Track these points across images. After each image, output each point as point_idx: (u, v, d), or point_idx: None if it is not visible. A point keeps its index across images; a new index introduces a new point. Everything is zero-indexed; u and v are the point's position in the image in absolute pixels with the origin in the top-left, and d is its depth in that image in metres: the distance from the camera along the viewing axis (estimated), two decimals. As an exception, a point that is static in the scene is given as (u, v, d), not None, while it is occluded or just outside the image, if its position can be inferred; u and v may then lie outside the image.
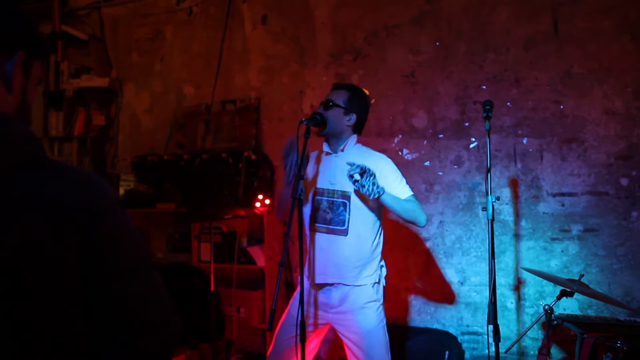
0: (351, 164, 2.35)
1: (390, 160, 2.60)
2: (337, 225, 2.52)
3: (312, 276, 2.55)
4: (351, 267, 2.51)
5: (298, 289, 2.55)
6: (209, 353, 3.73)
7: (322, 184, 2.58)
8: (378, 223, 2.59)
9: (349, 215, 2.51)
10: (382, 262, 2.63)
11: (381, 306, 2.57)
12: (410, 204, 2.48)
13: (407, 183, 2.57)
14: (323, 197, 2.57)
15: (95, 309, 0.94)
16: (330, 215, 2.53)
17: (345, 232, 2.51)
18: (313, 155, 2.68)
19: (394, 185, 2.50)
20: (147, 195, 4.30)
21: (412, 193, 2.54)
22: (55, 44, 4.71)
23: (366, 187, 2.34)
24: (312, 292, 2.58)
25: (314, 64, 4.09)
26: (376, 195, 2.36)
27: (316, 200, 2.57)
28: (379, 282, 2.59)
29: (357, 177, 2.34)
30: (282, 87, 4.19)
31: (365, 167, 2.34)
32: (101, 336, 0.95)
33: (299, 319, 2.26)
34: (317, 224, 2.57)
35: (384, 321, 2.57)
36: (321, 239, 2.55)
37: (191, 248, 4.14)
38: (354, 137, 2.62)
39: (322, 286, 2.57)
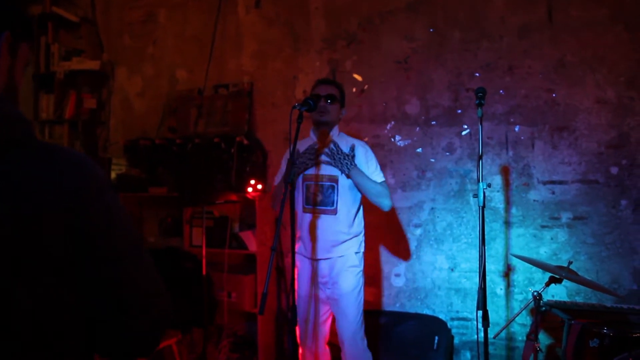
0: (332, 148, 2.83)
1: (369, 146, 3.00)
2: (327, 205, 2.87)
3: (307, 254, 2.90)
4: (341, 242, 2.86)
5: (296, 269, 2.94)
6: (200, 337, 3.75)
7: (311, 170, 2.89)
8: (360, 200, 2.95)
9: (338, 196, 2.86)
10: (364, 234, 3.00)
11: (361, 272, 2.93)
12: (378, 187, 2.85)
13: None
14: (312, 182, 2.88)
15: (87, 290, 0.94)
16: (321, 197, 2.86)
17: (334, 212, 2.85)
18: (305, 143, 2.97)
19: (372, 169, 2.90)
20: (139, 179, 4.28)
21: (383, 179, 2.93)
22: (45, 25, 4.64)
23: (337, 163, 2.80)
24: (309, 268, 2.92)
25: (308, 49, 4.07)
26: (346, 172, 2.79)
27: (306, 185, 2.90)
28: (359, 251, 2.94)
29: (327, 158, 2.83)
30: (276, 72, 4.17)
31: (337, 150, 2.81)
32: (92, 317, 0.96)
33: (293, 303, 2.39)
34: (308, 206, 2.90)
35: (361, 286, 2.91)
36: (313, 219, 2.87)
37: (183, 232, 4.13)
38: (337, 127, 3.01)
39: (316, 261, 2.90)
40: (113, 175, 4.37)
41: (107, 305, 0.96)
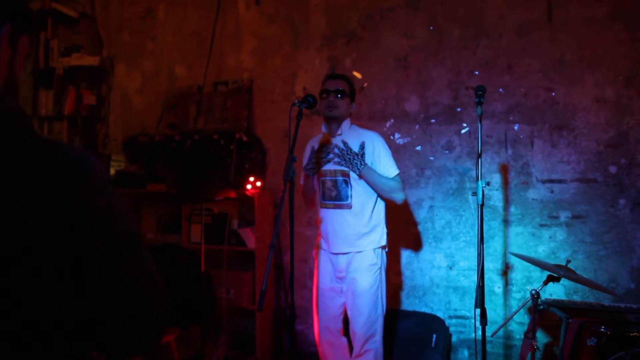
0: (341, 148, 2.82)
1: (382, 138, 2.96)
2: (342, 200, 2.89)
3: (326, 247, 2.94)
4: (358, 235, 2.87)
5: (316, 262, 3.00)
6: (198, 333, 3.75)
7: (325, 165, 2.90)
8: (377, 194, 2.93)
9: (352, 190, 2.87)
10: (386, 228, 2.99)
11: (379, 270, 2.91)
12: (390, 183, 2.85)
13: (395, 162, 2.95)
14: (327, 177, 2.90)
15: (86, 289, 0.93)
16: (335, 192, 2.89)
17: (349, 206, 2.87)
18: (317, 140, 3.01)
19: (384, 163, 2.88)
20: (138, 175, 4.27)
21: (397, 172, 2.91)
22: (45, 21, 4.64)
23: (347, 163, 2.81)
24: (328, 261, 2.95)
25: (307, 46, 4.07)
26: (357, 172, 2.80)
27: (321, 181, 2.94)
28: (381, 247, 2.94)
29: (337, 158, 2.84)
30: (275, 69, 4.17)
31: (347, 150, 2.81)
32: (92, 317, 0.95)
33: (292, 300, 2.37)
34: (325, 201, 2.93)
35: (379, 284, 2.90)
36: (330, 214, 2.92)
37: (181, 229, 4.13)
38: (349, 120, 2.97)
39: (334, 255, 2.92)
40: (112, 171, 4.36)
41: (106, 304, 0.95)
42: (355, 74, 3.91)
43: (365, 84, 3.89)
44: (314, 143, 3.01)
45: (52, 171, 0.89)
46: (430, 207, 3.72)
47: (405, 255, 3.78)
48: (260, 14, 4.23)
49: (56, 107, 4.58)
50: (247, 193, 3.81)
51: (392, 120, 3.81)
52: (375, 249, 2.90)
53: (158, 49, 4.60)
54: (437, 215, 3.71)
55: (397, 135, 3.80)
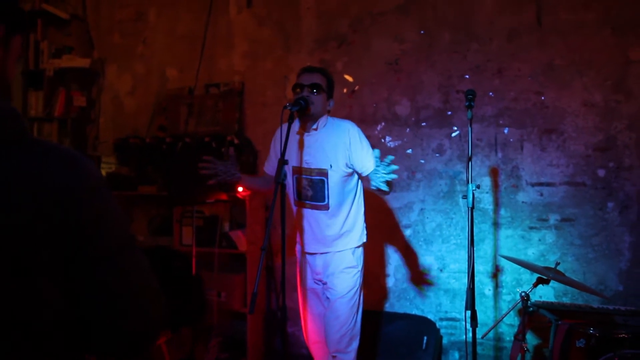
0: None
1: (357, 127, 2.72)
2: (318, 200, 2.72)
3: (304, 247, 2.82)
4: (335, 236, 2.74)
5: (297, 263, 2.90)
6: (189, 336, 3.74)
7: (298, 162, 2.70)
8: (355, 190, 2.78)
9: (328, 190, 2.69)
10: (364, 225, 2.85)
11: (359, 272, 2.79)
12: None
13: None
14: (302, 176, 2.72)
15: (80, 290, 0.92)
16: (311, 192, 2.71)
17: (326, 207, 2.71)
18: (284, 129, 2.50)
19: (361, 155, 2.64)
20: (129, 178, 4.26)
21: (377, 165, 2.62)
22: (35, 22, 4.60)
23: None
24: (305, 261, 2.85)
25: (299, 49, 4.07)
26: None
27: (296, 179, 2.72)
28: (359, 246, 2.81)
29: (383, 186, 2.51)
30: (266, 72, 4.17)
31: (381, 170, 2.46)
32: (85, 318, 0.94)
33: (283, 302, 2.37)
34: (301, 200, 2.77)
35: (357, 287, 2.77)
36: (306, 213, 2.77)
37: (173, 231, 4.12)
38: (326, 116, 2.75)
39: (311, 254, 2.82)
40: (102, 173, 4.35)
41: (101, 305, 0.94)
42: (347, 77, 3.92)
43: (357, 87, 3.90)
44: (283, 130, 2.51)
45: (45, 173, 0.89)
46: (421, 210, 3.74)
47: (396, 257, 3.80)
48: (251, 17, 4.23)
49: (46, 108, 4.55)
50: (239, 195, 3.80)
51: (383, 124, 3.83)
52: (354, 248, 2.77)
53: (149, 51, 4.59)
54: (427, 218, 3.73)
55: (388, 139, 3.81)
